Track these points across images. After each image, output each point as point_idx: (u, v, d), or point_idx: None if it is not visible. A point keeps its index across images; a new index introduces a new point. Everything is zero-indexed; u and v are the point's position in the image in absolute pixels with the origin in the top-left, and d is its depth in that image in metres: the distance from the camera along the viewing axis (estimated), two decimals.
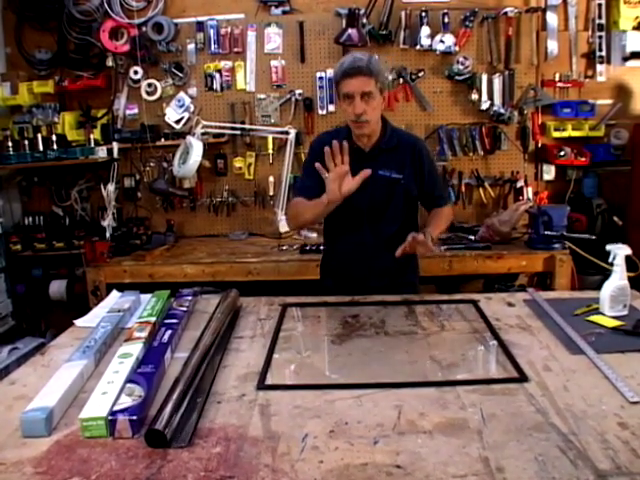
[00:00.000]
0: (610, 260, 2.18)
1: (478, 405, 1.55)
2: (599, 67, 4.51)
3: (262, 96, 4.62)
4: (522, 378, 1.71)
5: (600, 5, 4.45)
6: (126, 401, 1.52)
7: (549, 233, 3.72)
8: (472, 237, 4.07)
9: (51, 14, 4.53)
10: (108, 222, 4.30)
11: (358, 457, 1.34)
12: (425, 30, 4.39)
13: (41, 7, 4.53)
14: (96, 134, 4.54)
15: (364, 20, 4.36)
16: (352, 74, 2.57)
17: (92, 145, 4.46)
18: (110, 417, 1.47)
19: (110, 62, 4.54)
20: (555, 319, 2.18)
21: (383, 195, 2.78)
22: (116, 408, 1.50)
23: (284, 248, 4.04)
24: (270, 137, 4.55)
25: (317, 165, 2.46)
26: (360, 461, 1.32)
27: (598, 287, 2.28)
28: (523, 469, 1.27)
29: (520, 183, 4.57)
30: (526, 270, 3.99)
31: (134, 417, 1.47)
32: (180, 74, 4.59)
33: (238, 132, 4.54)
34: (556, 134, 4.54)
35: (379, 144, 2.78)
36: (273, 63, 4.58)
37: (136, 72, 4.57)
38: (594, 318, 2.17)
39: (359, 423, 1.48)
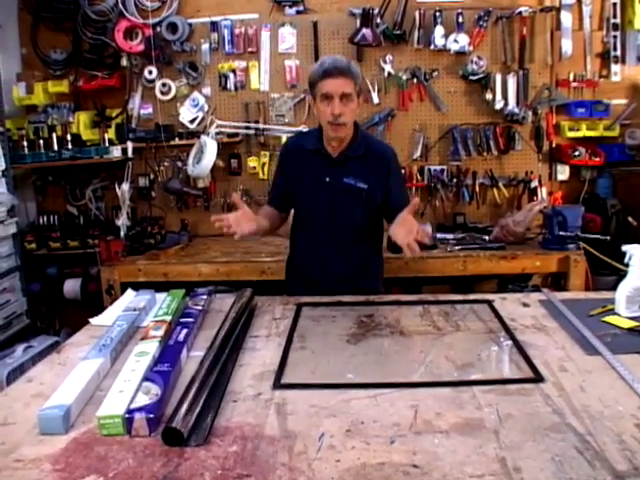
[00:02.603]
0: (626, 261, 2.18)
1: (494, 405, 1.55)
2: (614, 67, 4.50)
3: (276, 96, 4.62)
4: (538, 378, 1.70)
5: (615, 4, 4.44)
6: (143, 399, 1.53)
7: (563, 234, 3.71)
8: (486, 237, 4.06)
9: (66, 14, 4.56)
10: (122, 221, 4.31)
11: (375, 456, 1.34)
12: (439, 30, 4.38)
13: (56, 8, 4.56)
14: (110, 134, 4.56)
15: (378, 20, 4.35)
16: (334, 74, 2.55)
17: (106, 144, 4.49)
18: (127, 415, 1.48)
19: (125, 62, 4.56)
20: (570, 320, 2.17)
21: (346, 203, 2.74)
22: (133, 406, 1.51)
23: None
24: (284, 137, 4.54)
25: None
26: (377, 460, 1.32)
27: (612, 288, 2.28)
28: (540, 469, 1.27)
29: (534, 183, 4.56)
30: (540, 271, 3.97)
31: (151, 415, 1.48)
32: (194, 74, 4.61)
33: (252, 132, 4.55)
34: (570, 134, 4.53)
35: (347, 151, 2.75)
36: (287, 63, 4.59)
37: (150, 72, 4.59)
38: (610, 319, 2.16)
39: (375, 422, 1.48)
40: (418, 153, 4.60)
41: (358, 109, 2.73)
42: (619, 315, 2.18)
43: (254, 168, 4.70)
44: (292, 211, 2.96)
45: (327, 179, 2.74)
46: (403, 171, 4.54)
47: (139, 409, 1.49)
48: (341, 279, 2.81)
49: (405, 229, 2.33)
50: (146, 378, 1.65)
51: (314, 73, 2.63)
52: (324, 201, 2.74)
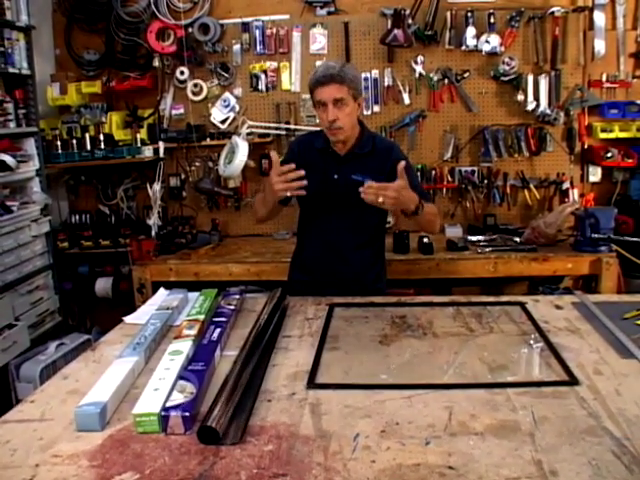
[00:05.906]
0: None
1: (529, 408, 1.54)
2: None
3: (307, 96, 4.59)
4: (573, 381, 1.68)
5: None
6: (178, 398, 1.54)
7: (596, 236, 3.68)
8: (517, 239, 4.04)
9: (99, 16, 4.64)
10: (153, 221, 4.35)
11: (410, 457, 1.34)
12: (471, 30, 4.37)
13: (90, 9, 4.62)
14: (142, 134, 4.61)
15: (409, 20, 4.34)
16: (324, 82, 2.61)
17: (138, 144, 4.55)
18: (163, 413, 1.49)
19: (157, 62, 4.61)
20: (604, 322, 2.15)
21: (354, 199, 2.66)
22: (168, 404, 1.52)
23: None
24: None
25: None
26: (412, 461, 1.32)
27: None
28: (577, 473, 1.26)
29: (566, 185, 4.52)
30: (572, 273, 3.95)
31: (186, 413, 1.49)
32: (226, 74, 4.63)
33: (283, 132, 4.57)
34: (603, 135, 4.47)
35: (354, 149, 2.80)
36: (318, 64, 4.54)
37: (182, 72, 4.62)
38: None
39: (410, 423, 1.48)
40: (449, 154, 4.59)
41: (358, 111, 2.77)
42: None
43: None
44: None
45: (335, 176, 2.78)
46: (433, 172, 4.58)
47: (175, 407, 1.50)
48: (347, 276, 2.84)
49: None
50: (181, 377, 1.66)
51: (310, 82, 2.71)
52: (332, 198, 2.79)
